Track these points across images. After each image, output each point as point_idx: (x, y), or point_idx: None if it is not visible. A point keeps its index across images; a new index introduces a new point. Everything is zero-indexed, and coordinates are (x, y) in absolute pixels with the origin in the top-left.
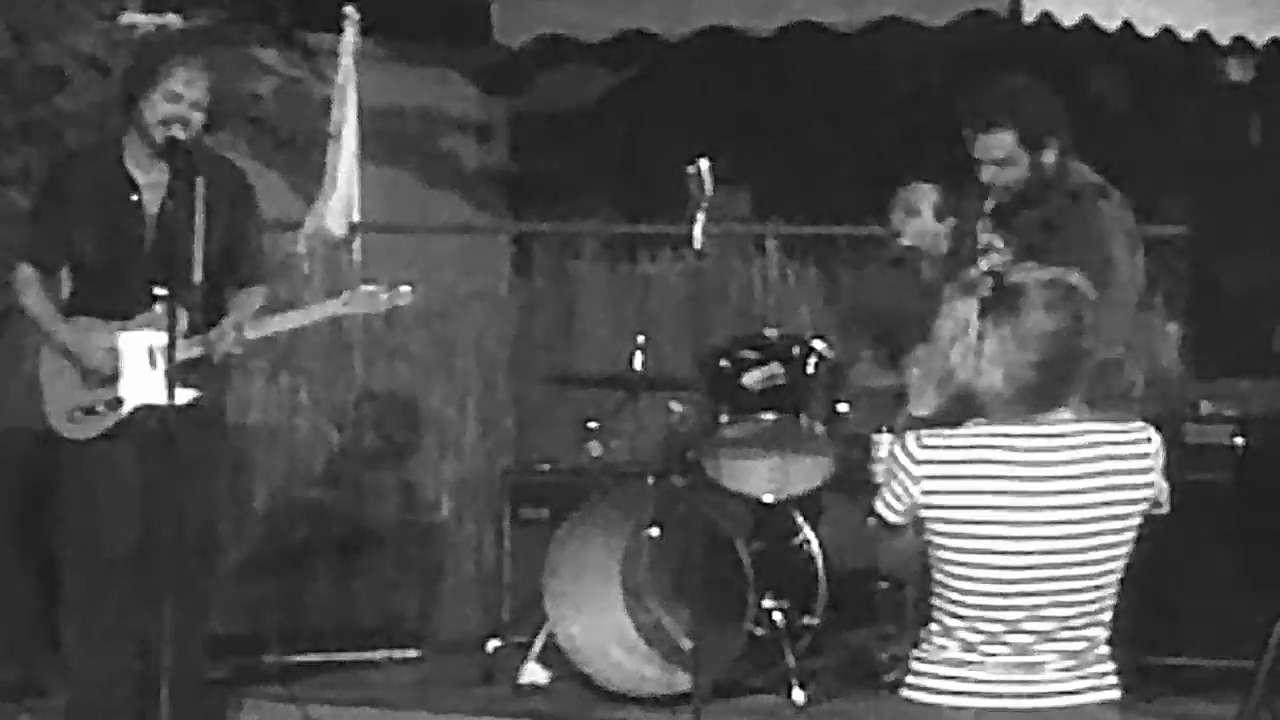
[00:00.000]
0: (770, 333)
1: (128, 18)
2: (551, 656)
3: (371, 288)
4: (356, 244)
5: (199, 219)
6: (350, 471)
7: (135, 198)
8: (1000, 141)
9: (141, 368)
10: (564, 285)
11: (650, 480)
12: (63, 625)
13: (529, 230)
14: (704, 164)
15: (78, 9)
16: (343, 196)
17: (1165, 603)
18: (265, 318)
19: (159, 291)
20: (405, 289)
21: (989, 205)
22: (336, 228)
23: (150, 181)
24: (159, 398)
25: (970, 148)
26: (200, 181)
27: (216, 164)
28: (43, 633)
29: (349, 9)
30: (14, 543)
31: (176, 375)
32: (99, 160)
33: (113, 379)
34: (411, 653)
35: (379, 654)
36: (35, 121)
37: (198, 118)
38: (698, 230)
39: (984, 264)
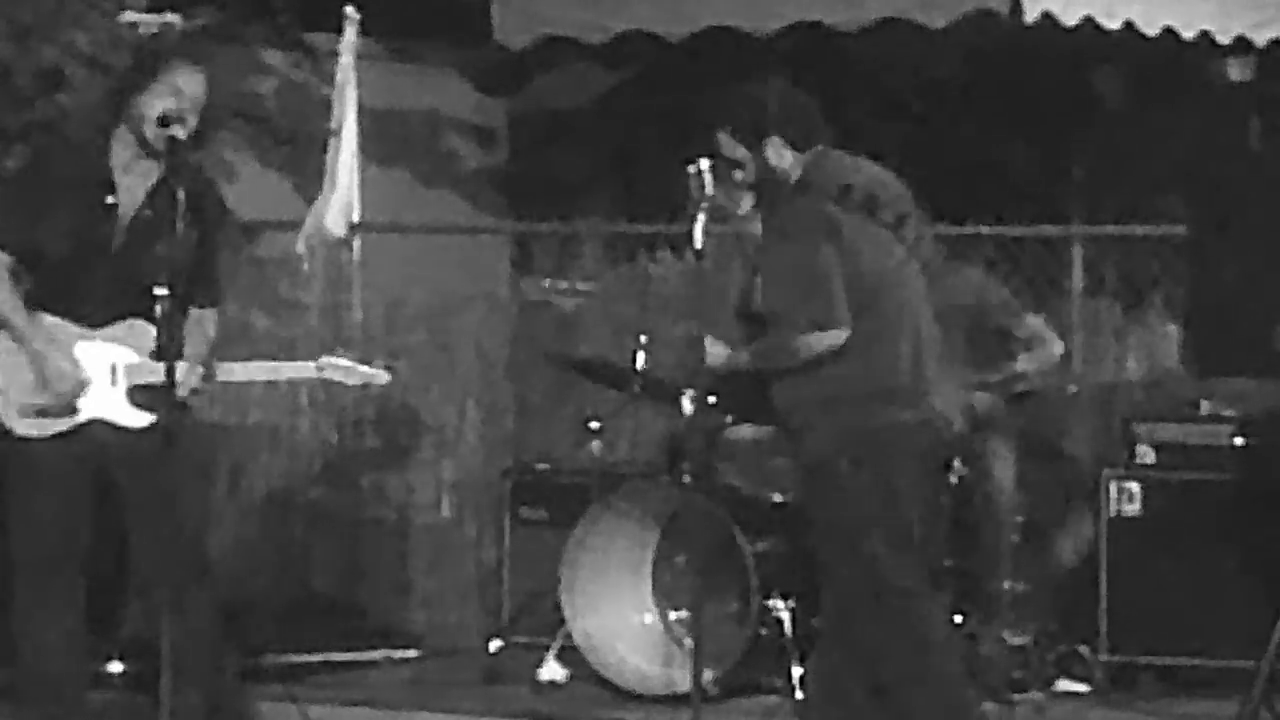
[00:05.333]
0: None
1: (128, 17)
2: (569, 655)
3: (348, 363)
4: (356, 244)
5: (178, 231)
6: (350, 471)
7: (110, 199)
8: (720, 143)
9: (102, 382)
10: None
11: (666, 480)
12: (14, 628)
13: (529, 230)
14: (704, 164)
15: (78, 8)
16: (343, 196)
17: (1165, 603)
18: (235, 363)
19: (160, 291)
20: (383, 373)
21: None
22: (336, 228)
23: (129, 184)
24: (115, 415)
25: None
26: (180, 195)
27: (199, 178)
28: None
29: (349, 9)
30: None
31: (143, 397)
32: (81, 154)
33: (70, 388)
34: (411, 653)
35: (379, 654)
36: (35, 121)
37: (193, 120)
38: (698, 230)
39: None
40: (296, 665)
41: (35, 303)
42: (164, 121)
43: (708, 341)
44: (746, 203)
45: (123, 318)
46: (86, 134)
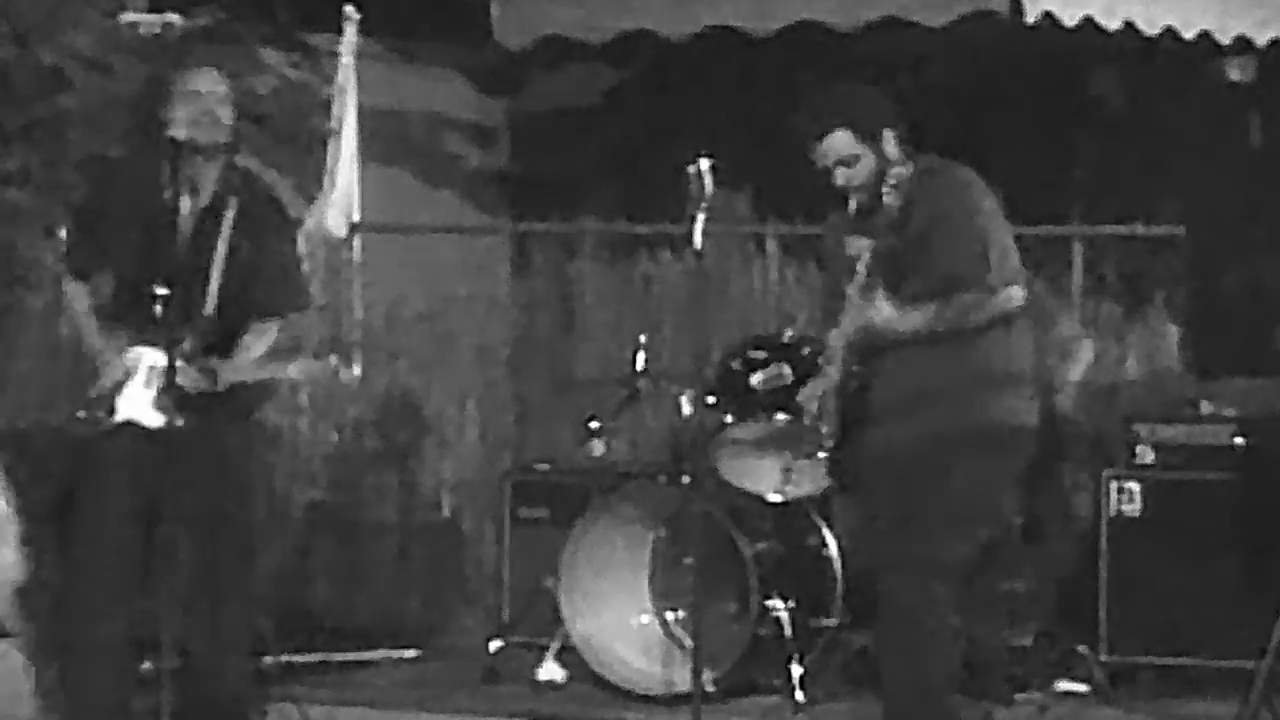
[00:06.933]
0: (786, 334)
1: (129, 17)
2: (567, 655)
3: (331, 361)
4: (356, 244)
5: (222, 246)
6: (350, 471)
7: (171, 216)
8: (835, 142)
9: (138, 385)
10: (564, 285)
11: (664, 479)
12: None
13: (529, 230)
14: (704, 164)
15: (78, 9)
16: (343, 196)
17: (1166, 603)
18: (241, 362)
19: (160, 291)
20: (356, 371)
21: (853, 206)
22: (336, 228)
23: (188, 202)
24: (141, 417)
25: (819, 161)
26: (232, 205)
27: (253, 186)
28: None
29: (349, 9)
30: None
31: (169, 400)
32: (138, 173)
33: (118, 389)
34: (411, 653)
35: (379, 654)
36: (35, 121)
37: (225, 114)
38: (698, 230)
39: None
40: (296, 665)
41: (113, 316)
42: (194, 123)
43: (879, 298)
44: (857, 199)
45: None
46: (140, 158)
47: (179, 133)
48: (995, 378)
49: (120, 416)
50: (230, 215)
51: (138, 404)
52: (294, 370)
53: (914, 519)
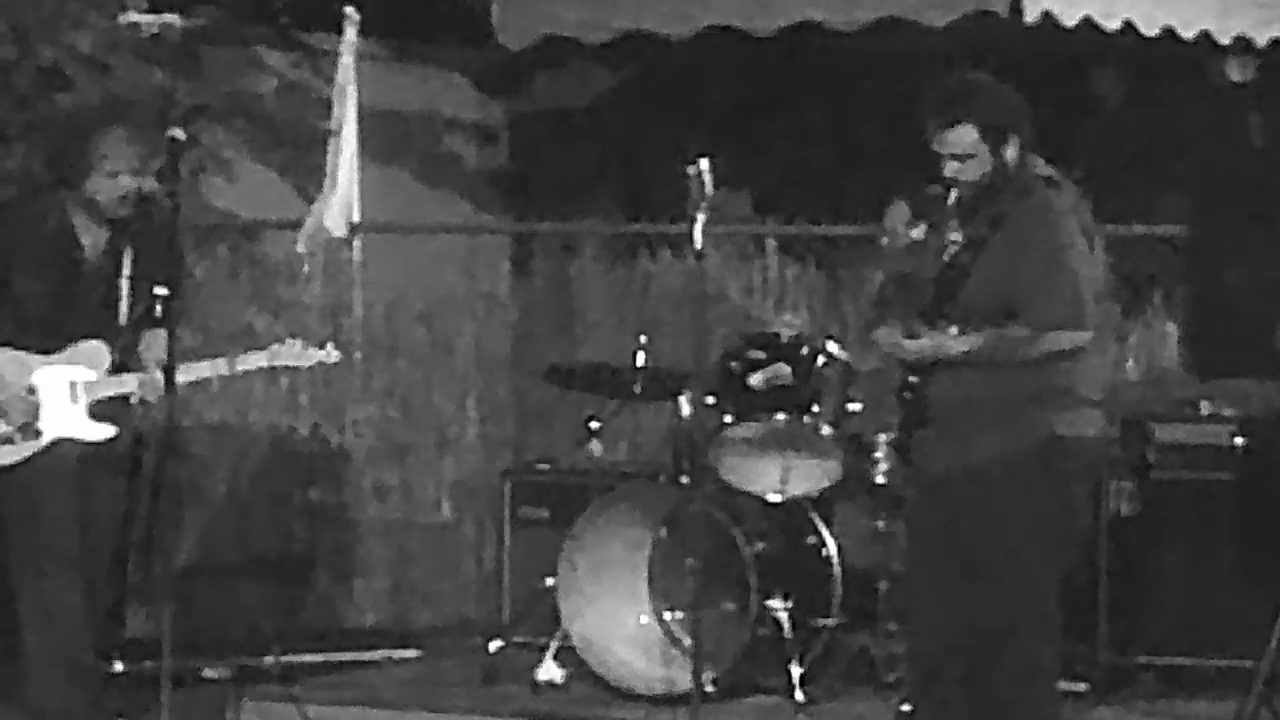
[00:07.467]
0: (782, 333)
1: (129, 17)
2: (566, 655)
3: (297, 344)
4: (356, 244)
5: (125, 272)
6: (350, 471)
7: (78, 252)
8: (961, 136)
9: (61, 401)
10: (564, 285)
11: (664, 480)
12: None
13: (529, 230)
14: (704, 164)
15: (79, 9)
16: (343, 196)
17: (1165, 603)
18: (194, 363)
19: (160, 291)
20: (334, 351)
21: (952, 199)
22: (336, 228)
23: (93, 238)
24: (79, 431)
25: (934, 146)
26: (128, 251)
27: (150, 222)
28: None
29: (349, 9)
30: None
31: (106, 410)
32: (45, 212)
33: (30, 413)
34: (411, 653)
35: (379, 654)
36: (35, 121)
37: (134, 182)
38: (698, 230)
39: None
40: (296, 665)
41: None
42: (123, 199)
43: (921, 329)
44: (960, 192)
45: (74, 340)
46: (41, 197)
47: (98, 200)
48: (1054, 390)
49: (49, 437)
50: (128, 251)
51: (68, 420)
52: (258, 360)
53: (994, 592)
